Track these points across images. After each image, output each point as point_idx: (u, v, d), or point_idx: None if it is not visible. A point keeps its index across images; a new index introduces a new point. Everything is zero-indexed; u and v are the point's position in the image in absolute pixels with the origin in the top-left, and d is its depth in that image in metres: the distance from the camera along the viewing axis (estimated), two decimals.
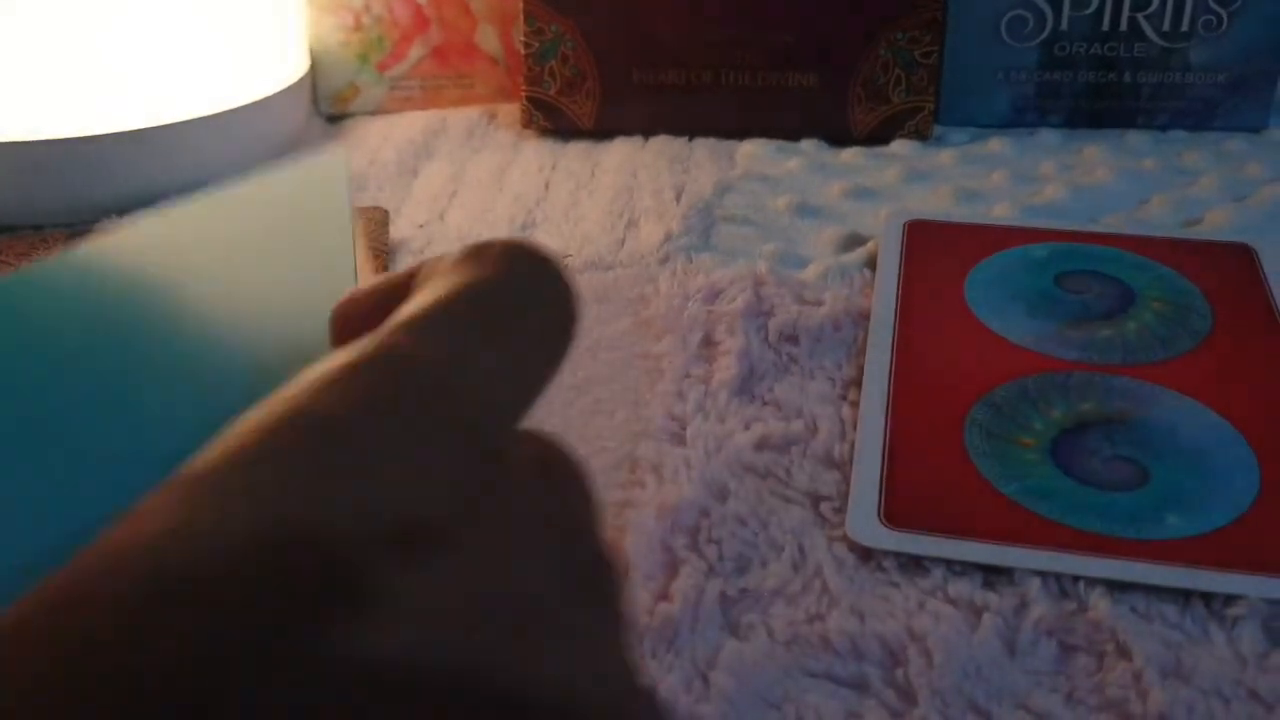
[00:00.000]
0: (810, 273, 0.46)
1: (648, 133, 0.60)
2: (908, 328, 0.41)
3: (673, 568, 0.32)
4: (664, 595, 0.31)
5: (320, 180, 0.26)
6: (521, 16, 0.59)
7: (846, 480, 0.35)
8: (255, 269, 0.23)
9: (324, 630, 0.13)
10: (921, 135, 0.59)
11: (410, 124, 0.62)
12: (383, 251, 0.48)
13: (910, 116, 0.59)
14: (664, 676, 0.28)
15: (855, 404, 0.38)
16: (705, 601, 0.31)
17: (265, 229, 0.25)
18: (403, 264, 0.48)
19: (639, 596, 0.31)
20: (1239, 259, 0.45)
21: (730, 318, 0.43)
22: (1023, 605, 0.30)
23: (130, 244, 0.22)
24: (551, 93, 0.60)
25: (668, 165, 0.57)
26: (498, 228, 0.51)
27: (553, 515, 0.18)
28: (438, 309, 0.18)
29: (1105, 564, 0.31)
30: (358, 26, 0.62)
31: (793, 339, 0.42)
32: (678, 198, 0.53)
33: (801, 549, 0.33)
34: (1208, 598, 0.31)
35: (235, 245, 0.23)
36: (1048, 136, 0.59)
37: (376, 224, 0.50)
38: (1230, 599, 0.30)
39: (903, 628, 0.30)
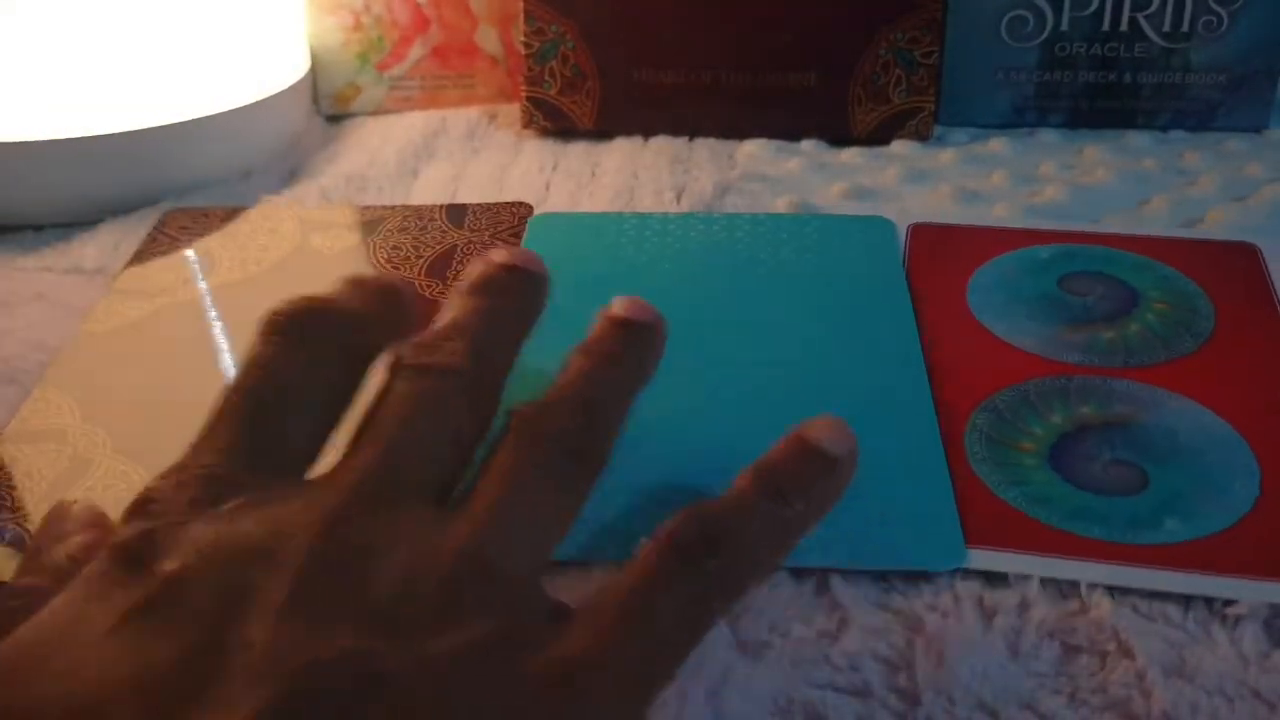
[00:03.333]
0: None
1: (648, 133, 0.60)
2: None
3: None
4: None
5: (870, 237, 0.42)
6: (521, 16, 0.59)
7: None
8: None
9: None
10: (921, 135, 0.59)
11: (410, 124, 0.62)
12: None
13: (910, 116, 0.59)
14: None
15: None
16: None
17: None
18: None
19: None
20: (1243, 259, 0.45)
21: None
22: (1024, 607, 0.30)
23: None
24: (551, 93, 0.60)
25: (668, 165, 0.57)
26: None
27: None
28: None
29: (1105, 570, 0.31)
30: (358, 26, 0.62)
31: None
32: (678, 198, 0.53)
33: None
34: (1209, 598, 0.31)
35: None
36: (1048, 136, 0.59)
37: None
38: (1232, 599, 0.30)
39: (905, 633, 0.30)
